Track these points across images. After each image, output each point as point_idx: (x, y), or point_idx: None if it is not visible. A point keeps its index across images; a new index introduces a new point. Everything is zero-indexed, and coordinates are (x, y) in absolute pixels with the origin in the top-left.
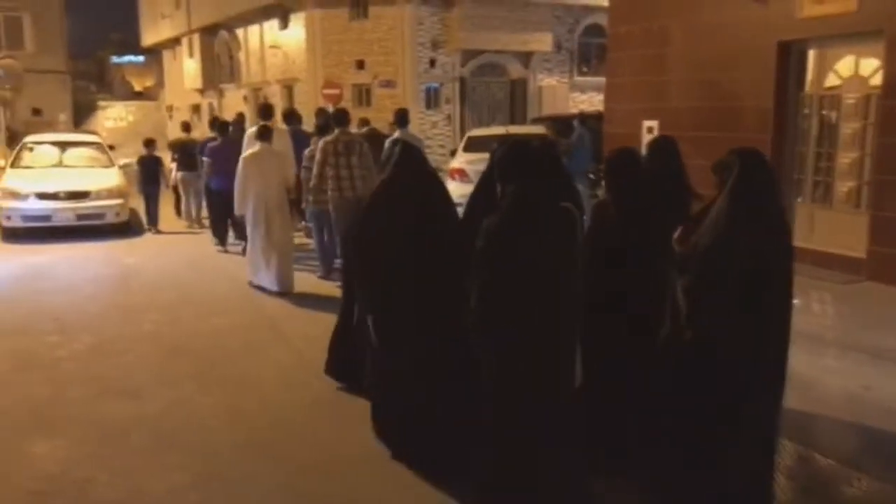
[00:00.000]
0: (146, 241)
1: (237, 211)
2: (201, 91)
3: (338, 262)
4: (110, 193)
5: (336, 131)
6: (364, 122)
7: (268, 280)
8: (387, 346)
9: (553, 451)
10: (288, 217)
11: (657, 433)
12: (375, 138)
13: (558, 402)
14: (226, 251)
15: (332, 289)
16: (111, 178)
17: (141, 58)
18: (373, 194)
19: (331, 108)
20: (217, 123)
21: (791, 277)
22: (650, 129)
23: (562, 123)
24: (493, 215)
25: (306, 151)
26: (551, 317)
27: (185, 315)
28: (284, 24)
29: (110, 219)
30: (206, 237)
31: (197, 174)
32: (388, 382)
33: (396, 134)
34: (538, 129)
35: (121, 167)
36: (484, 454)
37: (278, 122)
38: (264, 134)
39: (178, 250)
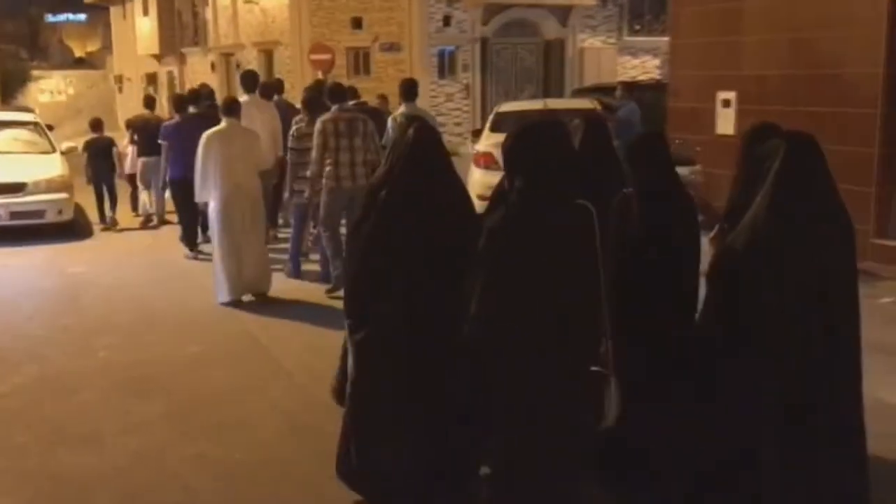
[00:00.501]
0: (97, 245)
1: (198, 197)
2: (158, 57)
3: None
4: (51, 186)
5: (334, 108)
6: (353, 92)
7: (240, 287)
8: (366, 376)
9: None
10: (262, 209)
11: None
12: (375, 115)
13: (577, 441)
14: (196, 258)
15: (318, 295)
16: (52, 166)
17: (82, 16)
18: (369, 192)
19: (326, 78)
20: (174, 98)
21: (854, 283)
22: (726, 102)
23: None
24: (496, 214)
25: (292, 130)
26: (563, 331)
27: (151, 340)
28: None
29: (51, 217)
30: (170, 236)
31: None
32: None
33: (401, 109)
34: (585, 103)
35: (63, 153)
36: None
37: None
38: (231, 107)
39: (136, 255)
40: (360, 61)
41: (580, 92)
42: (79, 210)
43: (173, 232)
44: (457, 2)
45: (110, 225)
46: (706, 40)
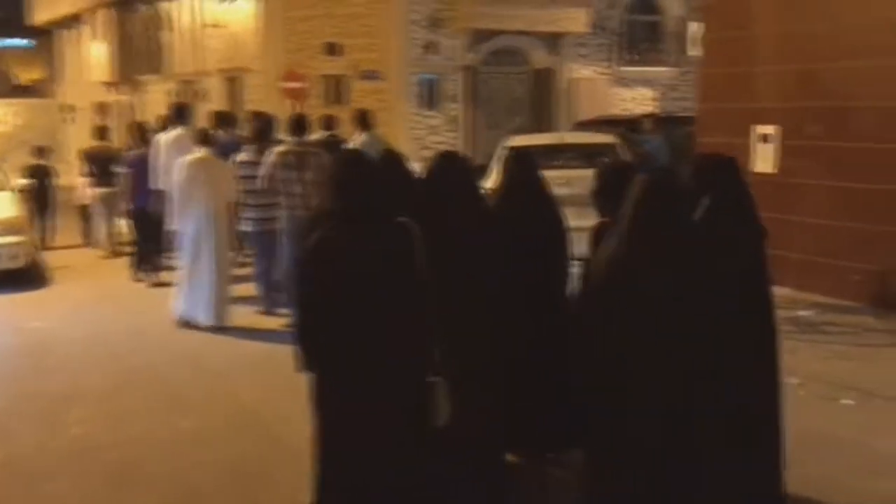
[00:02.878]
0: (57, 294)
1: (175, 224)
2: (112, 85)
3: None
4: (4, 228)
5: (291, 140)
6: (327, 123)
7: (203, 311)
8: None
9: None
10: (231, 236)
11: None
12: (336, 146)
13: (407, 451)
14: (160, 283)
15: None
16: (4, 206)
17: (27, 41)
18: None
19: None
20: (136, 129)
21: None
22: (765, 138)
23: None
24: (319, 230)
25: (237, 158)
26: (382, 338)
27: (131, 411)
28: None
29: (5, 263)
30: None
31: (116, 191)
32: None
33: (361, 139)
34: (606, 137)
35: (20, 191)
36: None
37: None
38: (206, 138)
39: (103, 305)
40: (337, 89)
41: (583, 125)
42: (34, 255)
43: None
44: (442, 28)
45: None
46: (743, 70)
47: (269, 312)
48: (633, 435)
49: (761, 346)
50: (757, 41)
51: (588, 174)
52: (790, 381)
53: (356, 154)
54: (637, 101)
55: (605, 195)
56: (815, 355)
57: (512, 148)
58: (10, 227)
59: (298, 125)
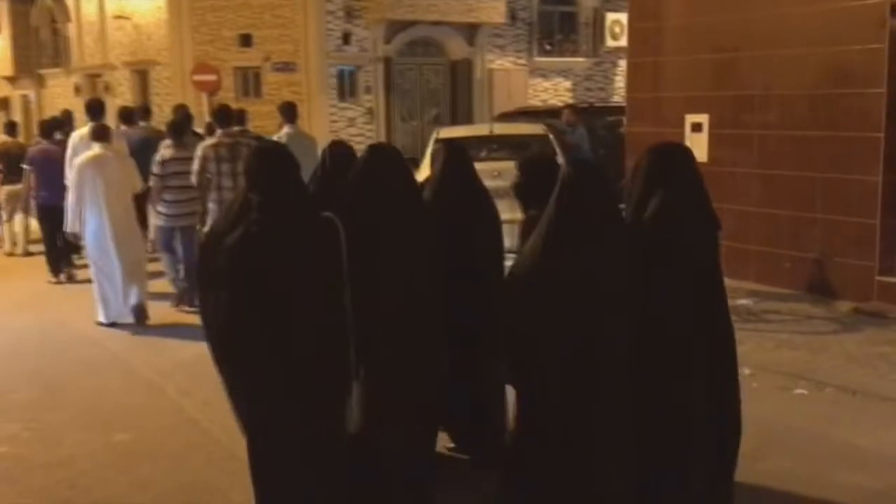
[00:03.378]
0: None
1: (70, 227)
2: (12, 79)
3: None
4: None
5: (218, 132)
6: (238, 118)
7: (123, 310)
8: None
9: None
10: (138, 232)
11: None
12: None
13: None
14: (69, 279)
15: None
16: None
17: None
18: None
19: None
20: (43, 124)
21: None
22: (697, 127)
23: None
24: (241, 227)
25: (157, 156)
26: (301, 337)
27: (62, 427)
28: None
29: None
30: (42, 273)
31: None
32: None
33: (285, 131)
34: (535, 128)
35: None
36: None
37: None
38: (102, 133)
39: (19, 313)
40: (250, 82)
41: (505, 116)
42: None
43: (59, 286)
44: (357, 18)
45: None
46: (672, 58)
47: (179, 305)
48: (549, 425)
49: (722, 342)
50: (684, 30)
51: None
52: (742, 371)
53: (274, 146)
54: (553, 91)
55: (528, 188)
56: (762, 345)
57: (442, 140)
58: None
59: (226, 116)
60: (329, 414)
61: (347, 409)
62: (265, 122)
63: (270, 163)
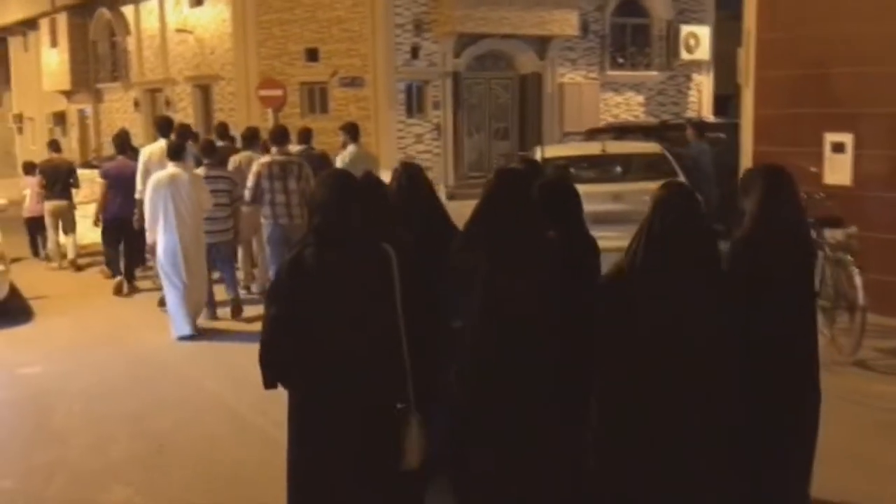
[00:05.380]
0: (43, 330)
1: (148, 240)
2: (69, 94)
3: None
4: None
5: (273, 150)
6: (303, 136)
7: (193, 321)
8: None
9: None
10: (204, 250)
11: None
12: (315, 159)
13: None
14: (131, 291)
15: None
16: None
17: None
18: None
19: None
20: (117, 139)
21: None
22: (838, 147)
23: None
24: (296, 248)
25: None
26: (367, 366)
27: (178, 490)
28: None
29: None
30: (122, 310)
31: (71, 204)
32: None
33: (349, 150)
34: (651, 147)
35: None
36: None
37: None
38: (178, 152)
39: (100, 343)
40: (316, 98)
41: (595, 133)
42: (12, 286)
43: (125, 305)
44: (426, 32)
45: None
46: (808, 72)
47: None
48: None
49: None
50: (823, 42)
51: (639, 188)
52: None
53: (339, 174)
54: (626, 106)
55: (545, 211)
56: None
57: (549, 159)
58: None
59: (281, 136)
60: (377, 447)
61: (406, 442)
62: (332, 139)
63: (331, 188)
